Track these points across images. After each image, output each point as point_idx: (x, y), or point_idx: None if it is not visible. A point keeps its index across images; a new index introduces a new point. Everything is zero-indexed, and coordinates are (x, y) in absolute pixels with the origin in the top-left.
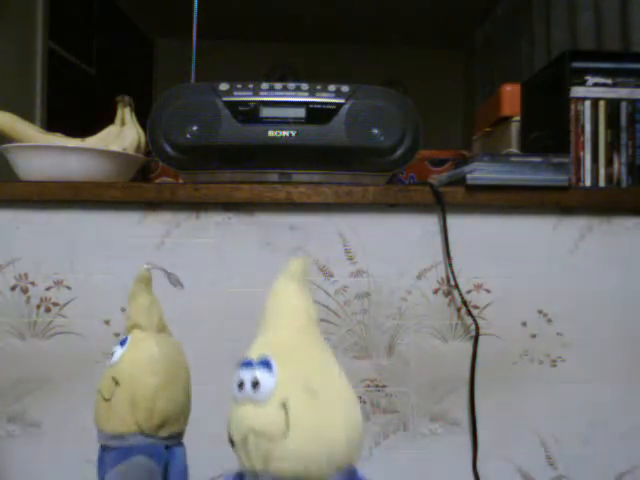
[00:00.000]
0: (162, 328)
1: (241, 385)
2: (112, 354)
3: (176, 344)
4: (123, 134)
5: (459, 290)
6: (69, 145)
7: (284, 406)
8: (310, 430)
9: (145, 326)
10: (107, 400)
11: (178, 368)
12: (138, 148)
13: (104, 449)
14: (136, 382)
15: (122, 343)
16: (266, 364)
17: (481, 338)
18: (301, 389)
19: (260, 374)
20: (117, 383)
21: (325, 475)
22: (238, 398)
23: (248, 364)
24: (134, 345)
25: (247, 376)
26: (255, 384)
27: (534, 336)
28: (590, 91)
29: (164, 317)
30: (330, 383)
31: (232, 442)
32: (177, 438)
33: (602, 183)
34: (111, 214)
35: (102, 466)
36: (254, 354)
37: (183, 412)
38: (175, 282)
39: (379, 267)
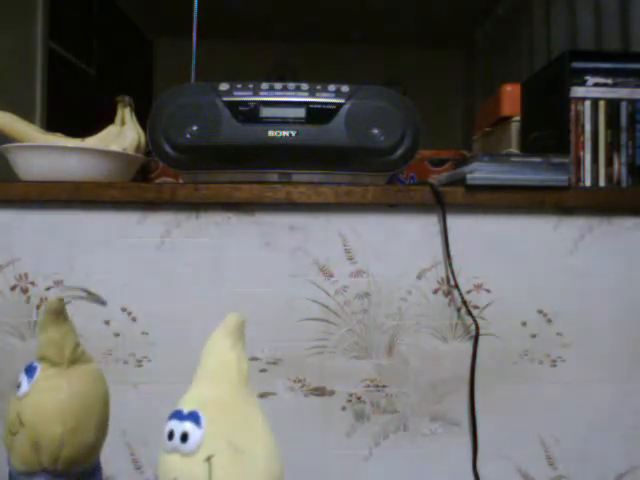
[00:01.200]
0: (76, 359)
1: (171, 435)
2: (19, 384)
3: (91, 373)
4: (123, 134)
5: (459, 290)
6: (69, 145)
7: (209, 460)
8: None
9: (55, 361)
10: (13, 434)
11: (90, 407)
12: (138, 148)
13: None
14: (41, 428)
15: (28, 372)
16: (195, 418)
17: (481, 338)
18: (226, 445)
19: (189, 427)
20: (21, 423)
21: None
22: (168, 447)
23: (179, 416)
24: (42, 383)
25: (177, 427)
26: (184, 436)
27: (534, 336)
28: (590, 91)
29: (80, 346)
30: (254, 440)
31: None
32: (88, 471)
33: (602, 183)
34: (111, 214)
35: None
36: (186, 407)
37: (94, 450)
38: (97, 300)
39: (379, 267)
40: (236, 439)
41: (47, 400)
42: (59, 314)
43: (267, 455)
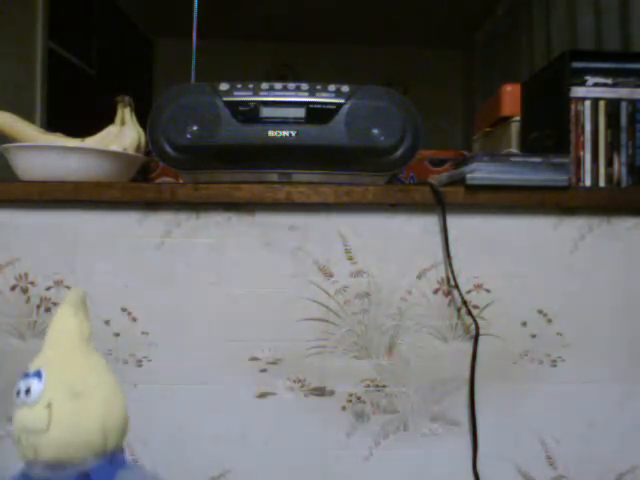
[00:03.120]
0: None
1: (18, 393)
2: None
3: None
4: (123, 134)
5: (459, 290)
6: (69, 145)
7: (49, 406)
8: (70, 424)
9: None
10: None
11: None
12: (138, 148)
13: None
14: None
15: None
16: (38, 374)
17: (481, 338)
18: (65, 392)
19: (32, 382)
20: None
21: (84, 459)
22: (17, 404)
23: (26, 376)
24: None
25: (23, 385)
26: (27, 390)
27: (534, 336)
28: (590, 91)
29: None
30: (94, 386)
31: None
32: None
33: (602, 183)
34: (111, 214)
35: None
36: (32, 368)
37: None
38: None
39: (379, 267)
40: (75, 387)
41: None
42: None
43: (104, 398)
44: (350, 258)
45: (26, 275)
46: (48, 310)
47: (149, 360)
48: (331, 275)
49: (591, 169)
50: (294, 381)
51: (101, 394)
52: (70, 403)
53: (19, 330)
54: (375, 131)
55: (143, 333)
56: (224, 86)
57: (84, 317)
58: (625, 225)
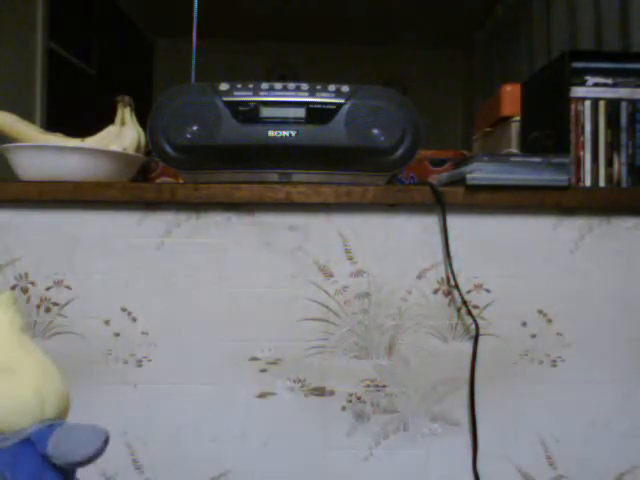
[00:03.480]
0: None
1: None
2: None
3: None
4: (123, 134)
5: (459, 290)
6: (69, 145)
7: None
8: (4, 394)
9: None
10: None
11: None
12: (138, 148)
13: None
14: None
15: None
16: None
17: (481, 338)
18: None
19: None
20: None
21: (23, 425)
22: None
23: None
24: None
25: None
26: None
27: (534, 336)
28: (590, 91)
29: None
30: (26, 363)
31: None
32: None
33: (602, 183)
34: (111, 214)
35: None
36: None
37: None
38: None
39: (379, 267)
40: (8, 364)
41: None
42: None
43: (37, 371)
44: (350, 258)
45: (26, 275)
46: (48, 310)
47: (149, 360)
48: (331, 275)
49: (591, 169)
50: (294, 381)
51: (34, 369)
52: (3, 376)
53: None
54: (375, 131)
55: (143, 333)
56: (224, 86)
57: (15, 313)
58: (625, 225)
